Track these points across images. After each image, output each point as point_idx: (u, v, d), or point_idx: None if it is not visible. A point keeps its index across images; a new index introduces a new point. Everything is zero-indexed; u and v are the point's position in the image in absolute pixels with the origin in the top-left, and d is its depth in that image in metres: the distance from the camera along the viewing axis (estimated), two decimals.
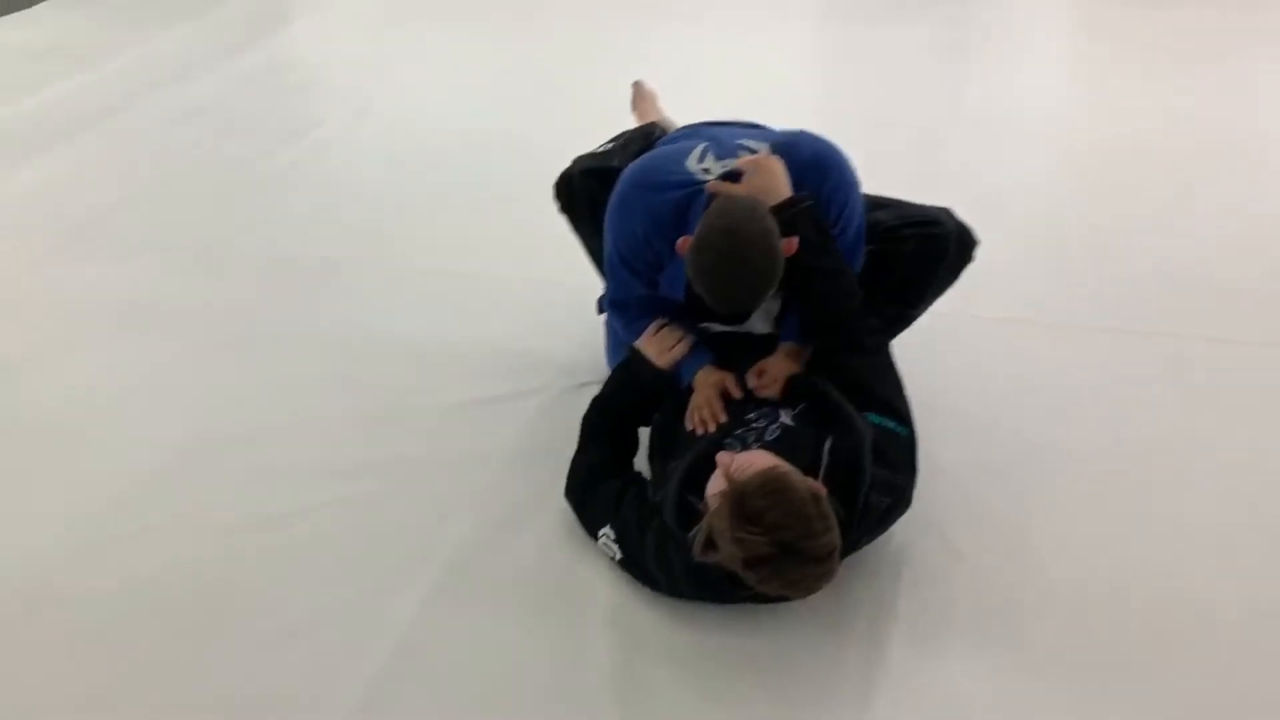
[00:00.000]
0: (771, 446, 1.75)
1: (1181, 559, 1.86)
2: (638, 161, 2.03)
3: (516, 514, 2.02)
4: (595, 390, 2.32)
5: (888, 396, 1.88)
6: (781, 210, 1.78)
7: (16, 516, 2.12)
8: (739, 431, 1.83)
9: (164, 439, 2.29)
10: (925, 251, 2.01)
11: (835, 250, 1.87)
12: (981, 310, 2.55)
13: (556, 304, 2.64)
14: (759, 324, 2.04)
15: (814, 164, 1.88)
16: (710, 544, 1.57)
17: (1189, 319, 2.49)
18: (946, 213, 2.03)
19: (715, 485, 1.63)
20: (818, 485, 1.60)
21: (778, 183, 1.81)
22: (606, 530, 1.86)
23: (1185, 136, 3.39)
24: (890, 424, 1.83)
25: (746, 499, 1.52)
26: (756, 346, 2.01)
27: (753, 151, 1.90)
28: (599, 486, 1.93)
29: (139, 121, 4.00)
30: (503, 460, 2.15)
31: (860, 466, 1.71)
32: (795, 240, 1.77)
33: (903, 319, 2.11)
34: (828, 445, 1.74)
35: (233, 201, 3.36)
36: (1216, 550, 1.88)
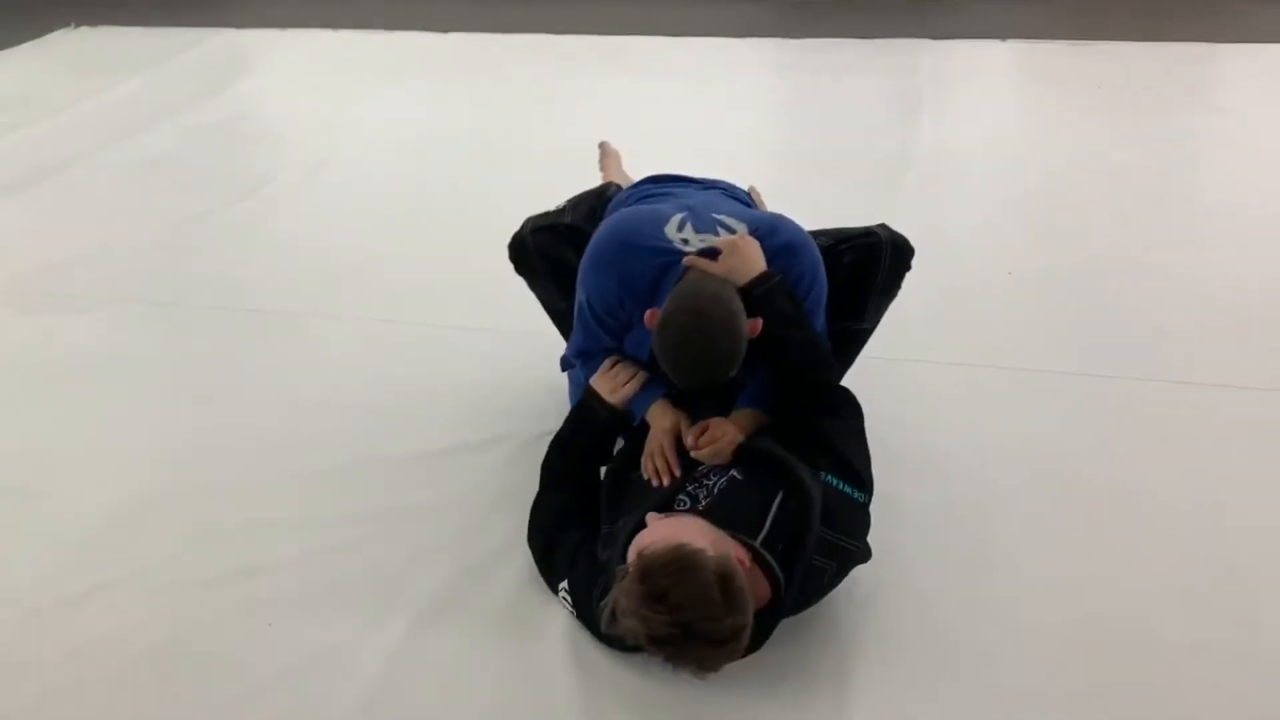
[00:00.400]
0: (717, 501, 1.75)
1: (1138, 601, 1.88)
2: (619, 218, 2.06)
3: (487, 562, 2.01)
4: None
5: (851, 461, 1.83)
6: (755, 285, 1.85)
7: None
8: (690, 487, 1.82)
9: (119, 495, 2.25)
10: (862, 261, 2.07)
11: (808, 323, 1.92)
12: (939, 355, 2.59)
13: (520, 353, 2.63)
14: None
15: (787, 249, 1.94)
16: (615, 617, 1.56)
17: (1142, 362, 2.53)
18: (881, 226, 2.11)
19: (632, 553, 1.63)
20: (731, 564, 1.57)
21: (753, 264, 1.88)
22: (564, 585, 1.86)
23: (1133, 183, 3.48)
24: (847, 488, 1.80)
25: (651, 576, 1.52)
26: (718, 393, 2.01)
27: (731, 230, 1.96)
28: (561, 535, 1.92)
29: (95, 172, 3.98)
30: (472, 508, 2.14)
31: (808, 526, 1.69)
32: (759, 322, 1.83)
33: (853, 337, 2.15)
34: (777, 501, 1.74)
35: (190, 254, 3.33)
36: (1170, 592, 1.90)
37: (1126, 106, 4.13)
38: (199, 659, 1.85)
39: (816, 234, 2.08)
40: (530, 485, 2.05)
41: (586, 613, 1.81)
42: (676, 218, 1.98)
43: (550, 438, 2.29)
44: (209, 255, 3.32)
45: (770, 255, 1.91)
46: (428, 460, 2.31)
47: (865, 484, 1.83)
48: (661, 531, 1.64)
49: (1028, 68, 4.75)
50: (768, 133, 4.27)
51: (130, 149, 4.17)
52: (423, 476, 2.26)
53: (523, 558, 1.98)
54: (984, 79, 4.60)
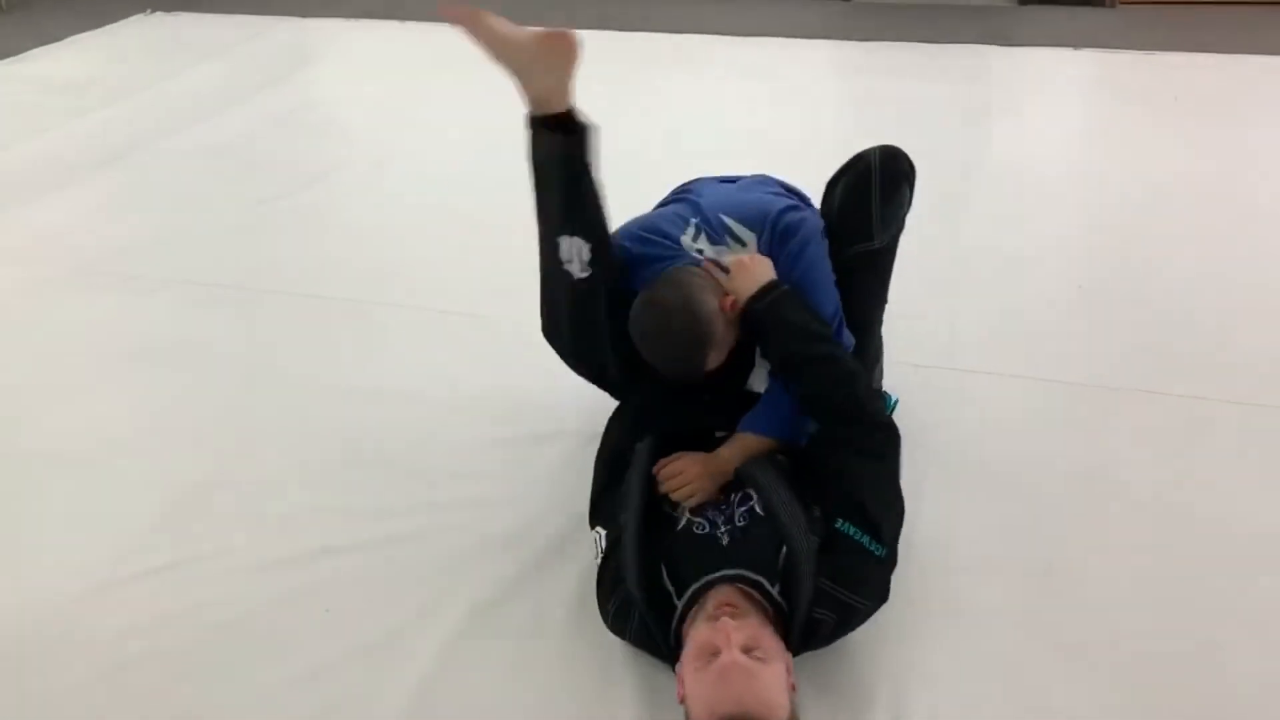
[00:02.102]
0: (741, 537, 1.69)
1: (1202, 629, 1.84)
2: (635, 220, 2.06)
3: (544, 556, 2.01)
4: None
5: (873, 511, 1.69)
6: (757, 298, 1.80)
7: (29, 553, 2.11)
8: (709, 513, 1.76)
9: (179, 478, 2.29)
10: (855, 184, 2.00)
11: (824, 334, 1.83)
12: (1002, 367, 2.55)
13: None
14: (759, 381, 1.98)
15: (782, 233, 1.92)
16: None
17: (1213, 382, 2.48)
18: (865, 151, 2.03)
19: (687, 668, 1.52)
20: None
21: (757, 280, 1.83)
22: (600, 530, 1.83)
23: (1209, 198, 3.40)
24: (865, 540, 1.66)
25: None
26: (724, 410, 1.93)
27: (741, 241, 1.94)
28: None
29: (164, 157, 4.05)
30: (530, 502, 2.14)
31: (798, 582, 1.61)
32: (729, 299, 1.81)
33: (873, 260, 2.05)
34: (782, 555, 1.65)
35: (255, 239, 3.38)
36: (1237, 621, 1.85)
37: (1204, 120, 4.03)
38: (258, 640, 1.87)
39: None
40: (585, 485, 2.04)
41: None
42: (691, 227, 1.97)
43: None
44: (273, 241, 3.36)
45: (784, 265, 1.88)
46: (487, 453, 2.31)
47: (886, 539, 1.69)
48: (748, 684, 1.45)
49: (1101, 78, 4.67)
50: (831, 135, 4.22)
51: (199, 134, 4.24)
52: (481, 469, 2.27)
53: (577, 558, 1.98)
54: (1055, 88, 4.53)
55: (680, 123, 4.16)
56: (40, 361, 2.76)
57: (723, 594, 1.60)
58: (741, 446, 1.86)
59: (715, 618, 1.54)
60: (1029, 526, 2.07)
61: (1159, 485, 2.17)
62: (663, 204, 2.20)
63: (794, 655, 1.64)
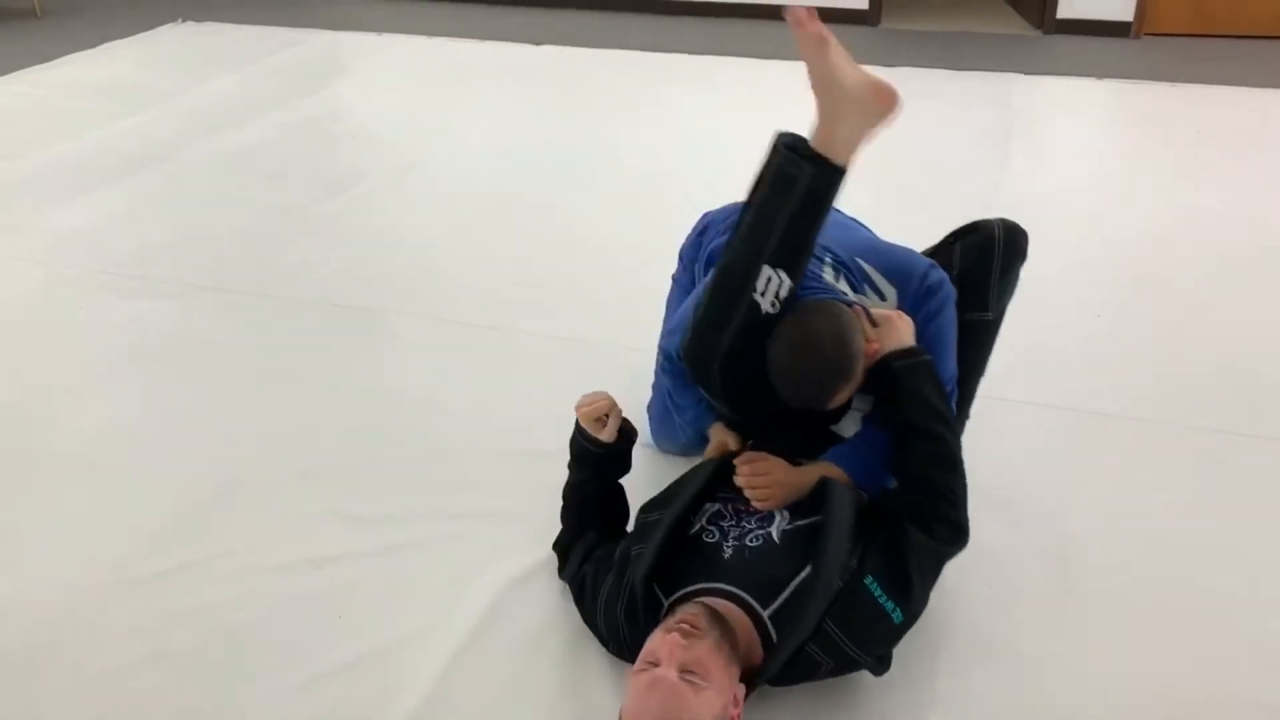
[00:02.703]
0: (744, 557, 1.69)
1: (1218, 659, 1.83)
2: None
3: (550, 571, 2.01)
4: (636, 453, 2.33)
5: (911, 579, 1.66)
6: (899, 356, 1.81)
7: (41, 552, 2.13)
8: (726, 522, 1.76)
9: (193, 480, 2.31)
10: (974, 250, 2.05)
11: (946, 415, 1.81)
12: (1021, 394, 2.54)
13: (595, 362, 2.64)
14: (849, 426, 2.00)
15: (925, 291, 1.94)
16: None
17: (1228, 414, 2.47)
18: (986, 221, 2.09)
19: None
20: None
21: (903, 336, 1.86)
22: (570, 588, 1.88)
23: (1230, 230, 3.39)
24: (887, 602, 1.63)
25: None
26: (808, 449, 1.94)
27: (880, 294, 1.96)
28: (580, 540, 1.94)
29: (192, 163, 4.09)
30: (543, 514, 2.14)
31: (803, 613, 1.60)
32: (875, 345, 1.81)
33: (982, 330, 2.08)
34: (800, 577, 1.64)
35: (279, 247, 3.41)
36: (1252, 653, 1.84)
37: (1226, 152, 4.03)
38: (269, 643, 1.88)
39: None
40: None
41: (591, 617, 1.82)
42: (829, 267, 1.96)
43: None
44: (297, 249, 3.39)
45: (921, 324, 1.90)
46: (501, 463, 2.32)
47: (909, 607, 1.66)
48: (671, 701, 1.46)
49: (1123, 108, 4.66)
50: (858, 162, 4.24)
51: (226, 142, 4.28)
52: (495, 479, 2.28)
53: None
54: (1077, 117, 4.53)
55: (700, 144, 4.18)
56: (59, 361, 2.79)
57: (691, 611, 1.59)
58: (824, 472, 1.87)
59: (669, 630, 1.55)
60: (1048, 555, 2.06)
61: (1179, 516, 2.16)
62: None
63: (779, 684, 1.65)
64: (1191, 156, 4.01)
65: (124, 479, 2.32)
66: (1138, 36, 5.60)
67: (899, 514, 1.72)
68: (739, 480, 1.82)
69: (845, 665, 1.65)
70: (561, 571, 1.95)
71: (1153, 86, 4.80)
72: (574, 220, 3.55)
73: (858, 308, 1.88)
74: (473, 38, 5.75)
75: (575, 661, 1.83)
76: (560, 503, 2.00)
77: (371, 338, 2.86)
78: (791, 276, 1.77)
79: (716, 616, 1.58)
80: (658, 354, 2.26)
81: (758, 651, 1.62)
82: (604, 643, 1.81)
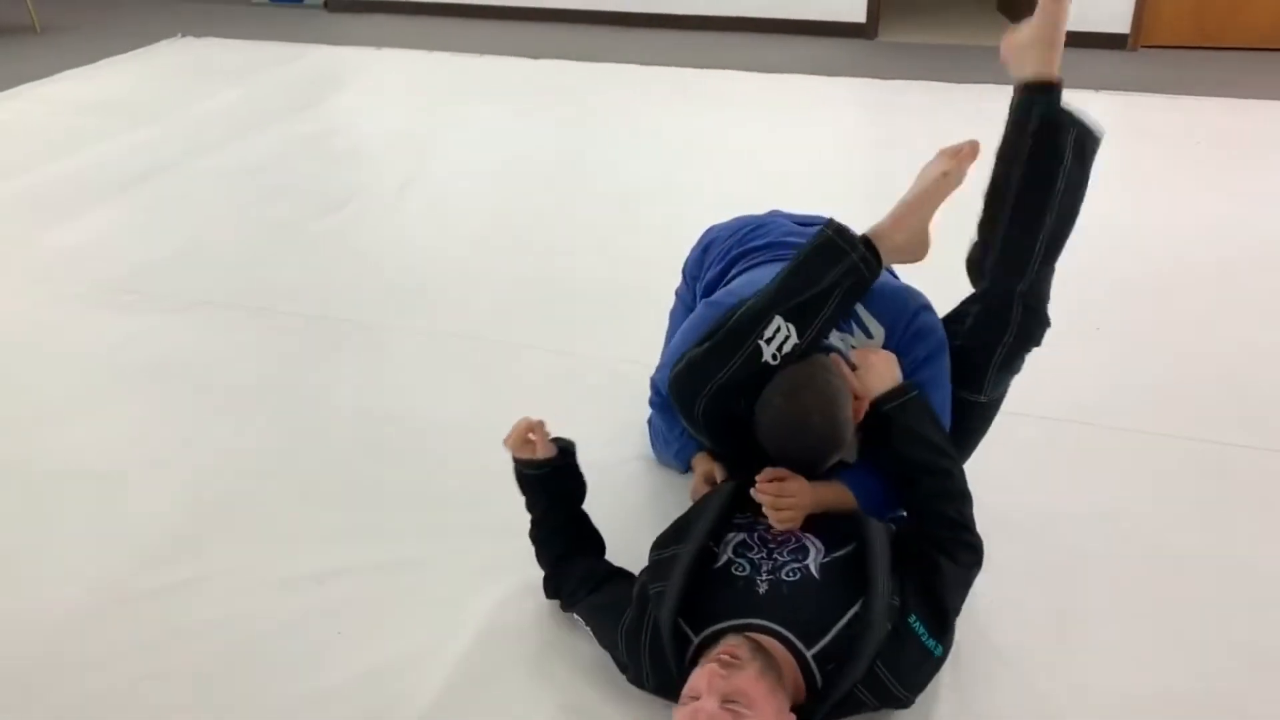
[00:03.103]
0: (781, 591, 1.65)
1: (1220, 672, 1.82)
2: (746, 276, 2.05)
3: None
4: (635, 467, 2.34)
5: (946, 612, 1.66)
6: (887, 399, 1.79)
7: (48, 568, 2.11)
8: (754, 553, 1.73)
9: (201, 494, 2.30)
10: (984, 329, 1.93)
11: (945, 448, 1.80)
12: (1022, 407, 2.52)
13: (594, 377, 2.65)
14: (849, 453, 1.95)
15: (914, 334, 1.89)
16: None
17: (1229, 426, 2.46)
18: (1010, 292, 1.93)
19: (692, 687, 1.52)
20: None
21: (887, 378, 1.82)
22: (578, 616, 1.87)
23: (1227, 241, 3.39)
24: (930, 641, 1.63)
25: None
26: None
27: (868, 333, 1.91)
28: (564, 566, 1.92)
29: (191, 179, 4.10)
30: None
31: (857, 657, 1.57)
32: (864, 404, 1.79)
33: (968, 410, 1.96)
34: (847, 618, 1.61)
35: (278, 262, 3.41)
36: (1257, 665, 1.84)
37: (1224, 163, 4.04)
38: (269, 660, 1.87)
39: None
40: (602, 509, 2.05)
41: (606, 640, 1.79)
42: None
43: (623, 467, 2.32)
44: (296, 264, 3.39)
45: (909, 369, 1.85)
46: (500, 479, 2.30)
47: (947, 640, 1.66)
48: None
49: (1121, 119, 4.67)
50: (854, 172, 4.25)
51: (225, 158, 4.29)
52: (495, 494, 2.25)
53: None
54: None
55: (698, 157, 4.19)
56: (61, 378, 2.78)
57: (732, 642, 1.56)
58: (838, 495, 1.84)
59: (709, 660, 1.54)
60: (1049, 568, 2.05)
61: (1180, 528, 2.16)
62: (742, 244, 2.18)
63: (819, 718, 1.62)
64: (1190, 168, 4.02)
65: (123, 496, 2.31)
66: (1135, 48, 5.62)
67: (924, 548, 1.72)
68: (760, 497, 1.78)
69: (886, 703, 1.64)
70: (565, 608, 1.92)
71: (1150, 98, 4.81)
72: (572, 234, 3.55)
73: (835, 356, 1.85)
74: (470, 52, 5.77)
75: (578, 679, 1.82)
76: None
77: (371, 353, 2.86)
78: (799, 335, 1.78)
79: (759, 648, 1.55)
80: (650, 385, 2.26)
81: (801, 693, 1.59)
82: (621, 668, 1.76)
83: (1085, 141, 1.88)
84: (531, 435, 1.91)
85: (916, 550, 1.72)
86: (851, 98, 5.12)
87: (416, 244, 3.53)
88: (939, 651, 1.64)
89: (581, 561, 1.92)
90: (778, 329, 1.78)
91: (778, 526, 1.77)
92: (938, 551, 1.71)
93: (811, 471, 1.82)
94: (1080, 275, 3.21)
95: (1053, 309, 2.95)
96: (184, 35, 6.19)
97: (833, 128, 4.72)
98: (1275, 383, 2.63)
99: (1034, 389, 2.60)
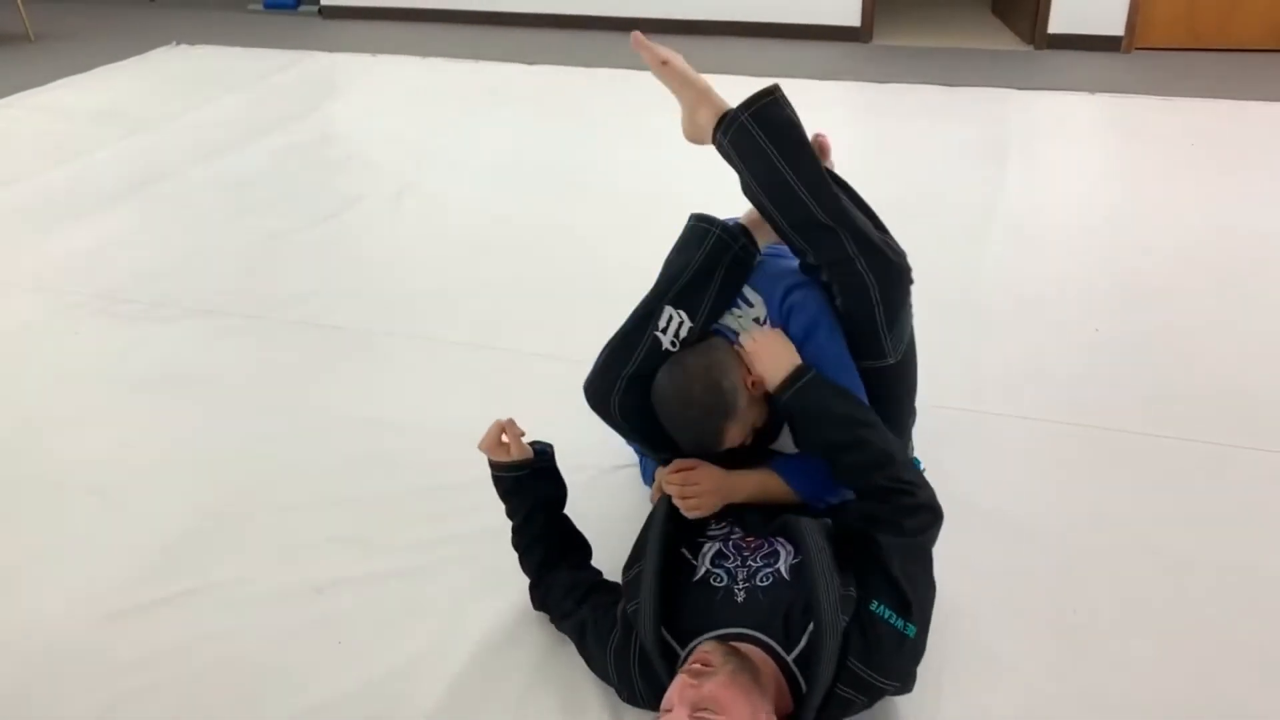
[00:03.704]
0: (757, 597, 1.65)
1: (1221, 675, 1.82)
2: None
3: None
4: (629, 473, 2.34)
5: (906, 588, 1.61)
6: (785, 385, 1.77)
7: (44, 580, 2.11)
8: (730, 562, 1.72)
9: (199, 505, 2.30)
10: (851, 299, 1.85)
11: (858, 417, 1.76)
12: (1018, 410, 2.54)
13: None
14: (788, 443, 1.95)
15: (788, 313, 1.86)
16: None
17: (1226, 427, 2.47)
18: (860, 250, 1.82)
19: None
20: None
21: (780, 364, 1.79)
22: (564, 631, 1.85)
23: (1225, 242, 3.40)
24: (898, 621, 1.59)
25: None
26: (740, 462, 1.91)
27: (749, 304, 1.89)
28: (548, 577, 1.91)
29: (188, 187, 4.09)
30: None
31: (819, 658, 1.55)
32: (754, 377, 1.79)
33: (888, 374, 1.93)
34: (812, 623, 1.58)
35: (275, 270, 3.41)
36: (1258, 668, 1.83)
37: (1219, 165, 4.05)
38: (267, 672, 1.87)
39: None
40: (602, 516, 2.05)
41: (594, 660, 1.79)
42: None
43: (618, 473, 2.32)
44: (294, 272, 3.39)
45: (797, 345, 1.82)
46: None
47: (914, 615, 1.61)
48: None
49: (1116, 122, 4.68)
50: (848, 175, 4.25)
51: (222, 165, 4.29)
52: (493, 501, 2.24)
53: None
54: (1071, 132, 4.55)
55: (694, 161, 4.17)
56: (58, 387, 2.78)
57: (705, 649, 1.54)
58: (761, 483, 1.86)
59: (683, 672, 1.52)
60: (1046, 571, 2.05)
61: (1178, 529, 2.16)
62: None
63: None
64: (1185, 169, 4.03)
65: (121, 506, 2.31)
66: (1129, 51, 5.63)
67: (865, 527, 1.68)
68: (668, 489, 1.82)
69: (874, 698, 1.62)
70: (556, 623, 1.90)
71: (1145, 100, 4.82)
72: (569, 239, 3.55)
73: (737, 344, 1.84)
74: (466, 58, 5.77)
75: (578, 687, 1.81)
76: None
77: (369, 360, 2.86)
78: (691, 318, 1.84)
79: (733, 652, 1.54)
80: None
81: (787, 699, 1.57)
82: (617, 690, 1.75)
83: (760, 111, 1.82)
84: (505, 437, 1.91)
85: (859, 532, 1.68)
86: (846, 101, 5.12)
87: (413, 250, 3.52)
88: (911, 632, 1.60)
89: (566, 571, 1.90)
90: (669, 317, 1.84)
91: (689, 515, 1.80)
92: (877, 528, 1.66)
93: (714, 450, 1.81)
94: (1076, 276, 3.23)
95: (1050, 312, 2.98)
96: (179, 43, 6.19)
97: (827, 131, 4.71)
98: (1273, 384, 2.64)
99: (1032, 391, 2.62)
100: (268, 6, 7.12)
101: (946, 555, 1.99)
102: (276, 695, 1.82)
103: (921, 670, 1.75)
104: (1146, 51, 5.63)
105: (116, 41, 6.19)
